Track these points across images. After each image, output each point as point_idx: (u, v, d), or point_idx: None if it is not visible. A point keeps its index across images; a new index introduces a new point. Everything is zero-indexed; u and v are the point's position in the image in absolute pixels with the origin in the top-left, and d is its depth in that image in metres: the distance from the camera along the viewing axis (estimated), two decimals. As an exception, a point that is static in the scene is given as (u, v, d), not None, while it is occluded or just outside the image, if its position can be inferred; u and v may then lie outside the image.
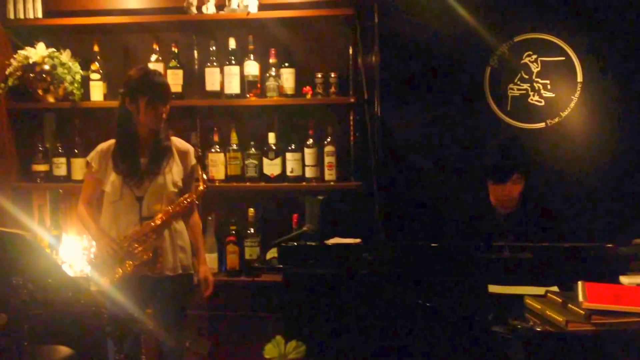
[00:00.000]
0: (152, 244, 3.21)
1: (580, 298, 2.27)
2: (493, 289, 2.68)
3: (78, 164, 4.19)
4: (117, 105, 3.31)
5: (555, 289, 2.54)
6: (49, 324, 3.70)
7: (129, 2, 4.22)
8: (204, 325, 3.98)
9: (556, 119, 3.86)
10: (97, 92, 4.21)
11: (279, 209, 4.19)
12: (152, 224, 3.21)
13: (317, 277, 3.00)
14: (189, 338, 3.44)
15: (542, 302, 2.40)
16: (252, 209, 4.10)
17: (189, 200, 3.30)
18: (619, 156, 3.79)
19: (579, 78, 3.82)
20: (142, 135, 3.25)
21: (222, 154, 4.14)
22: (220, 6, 4.09)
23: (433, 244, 3.06)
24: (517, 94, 3.89)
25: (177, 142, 3.38)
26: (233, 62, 4.10)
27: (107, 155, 3.29)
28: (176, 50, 4.16)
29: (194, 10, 4.08)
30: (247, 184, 4.12)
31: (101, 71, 4.21)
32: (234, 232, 4.10)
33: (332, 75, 4.05)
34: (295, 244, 3.30)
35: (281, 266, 3.18)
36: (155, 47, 4.17)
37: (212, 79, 4.12)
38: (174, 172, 3.29)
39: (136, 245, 3.21)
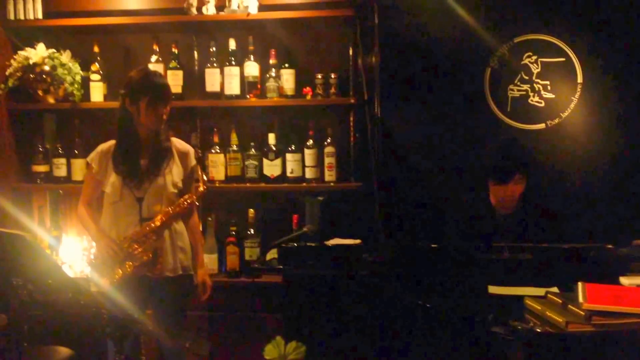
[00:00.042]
0: (152, 244, 3.21)
1: (581, 299, 2.27)
2: (493, 289, 2.68)
3: (78, 164, 4.19)
4: (117, 106, 3.31)
5: (555, 289, 2.54)
6: (48, 325, 3.71)
7: (129, 2, 4.22)
8: (204, 326, 3.98)
9: (556, 120, 3.86)
10: (97, 92, 4.21)
11: (279, 210, 4.19)
12: (152, 224, 3.21)
13: (317, 278, 3.00)
14: (189, 339, 3.43)
15: (542, 303, 2.40)
16: (252, 210, 4.10)
17: (189, 201, 3.30)
18: (619, 157, 3.79)
19: (579, 79, 3.82)
20: (142, 136, 3.25)
21: (222, 155, 4.14)
22: (220, 7, 4.09)
23: (433, 245, 3.06)
24: (517, 95, 3.89)
25: (177, 143, 3.38)
26: (233, 62, 4.10)
27: (107, 156, 3.29)
28: (176, 51, 4.17)
29: (194, 11, 4.08)
30: (247, 184, 4.12)
31: (101, 72, 4.22)
32: (234, 232, 4.10)
33: (332, 76, 4.05)
34: (295, 244, 3.30)
35: (281, 267, 3.18)
36: (156, 47, 4.17)
37: (212, 79, 4.12)
38: (174, 173, 3.29)
39: (136, 246, 3.21)
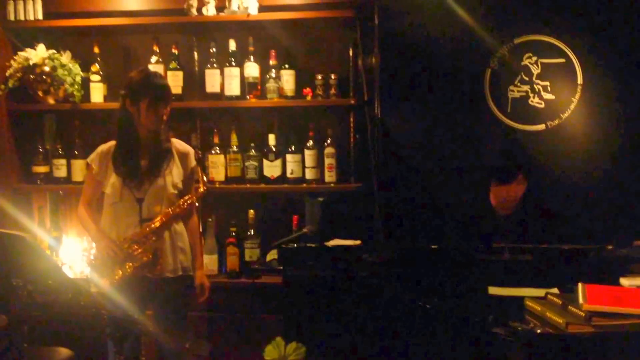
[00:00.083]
0: (152, 245, 3.21)
1: (581, 300, 2.27)
2: (493, 290, 2.68)
3: (78, 165, 4.19)
4: (117, 106, 3.31)
5: (555, 290, 2.54)
6: (48, 326, 3.70)
7: (129, 3, 4.22)
8: (204, 327, 3.98)
9: (556, 121, 3.86)
10: (98, 93, 4.21)
11: (279, 211, 4.19)
12: (152, 225, 3.21)
13: (317, 279, 3.00)
14: (189, 339, 3.43)
15: (542, 304, 2.40)
16: (252, 211, 4.10)
17: (189, 202, 3.30)
18: (619, 158, 3.79)
19: (579, 80, 3.81)
20: (142, 137, 3.25)
21: (222, 156, 4.14)
22: (220, 8, 4.09)
23: (433, 246, 3.06)
24: (517, 96, 3.89)
25: (177, 143, 3.38)
26: (233, 63, 4.10)
27: (108, 157, 3.29)
28: (176, 52, 4.17)
29: (194, 11, 4.08)
30: (247, 185, 4.12)
31: (101, 73, 4.22)
32: (234, 233, 4.10)
33: (332, 76, 4.05)
34: (295, 245, 3.31)
35: (281, 268, 3.18)
36: (156, 48, 4.17)
37: (212, 80, 4.12)
38: (174, 174, 3.29)
39: (136, 247, 3.21)
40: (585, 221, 3.74)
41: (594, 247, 2.93)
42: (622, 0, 3.77)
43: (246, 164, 4.12)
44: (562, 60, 3.82)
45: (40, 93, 4.16)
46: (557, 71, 3.83)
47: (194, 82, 4.21)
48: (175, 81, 4.09)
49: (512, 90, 3.89)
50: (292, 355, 2.80)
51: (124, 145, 3.26)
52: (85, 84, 4.21)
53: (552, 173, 3.82)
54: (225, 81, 4.11)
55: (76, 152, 4.22)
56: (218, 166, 4.12)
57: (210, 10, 4.08)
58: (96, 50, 4.23)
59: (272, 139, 4.10)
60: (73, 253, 4.15)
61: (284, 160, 4.09)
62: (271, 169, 4.09)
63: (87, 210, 3.34)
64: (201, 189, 3.31)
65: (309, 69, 4.13)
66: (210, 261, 4.03)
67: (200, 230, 3.53)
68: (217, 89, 4.13)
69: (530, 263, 2.88)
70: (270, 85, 4.06)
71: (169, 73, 4.11)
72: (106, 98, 4.23)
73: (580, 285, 2.35)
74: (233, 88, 4.09)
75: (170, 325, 3.27)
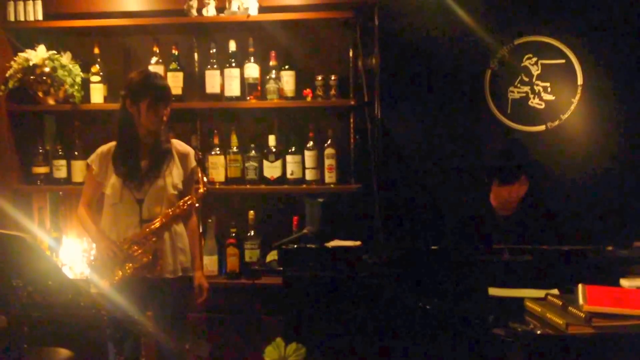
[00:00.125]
0: (152, 246, 3.21)
1: (581, 301, 2.27)
2: (493, 291, 2.68)
3: (78, 166, 4.19)
4: (117, 107, 3.31)
5: (555, 291, 2.54)
6: (48, 327, 3.69)
7: (130, 4, 4.22)
8: (204, 328, 3.98)
9: (556, 122, 3.86)
10: (98, 94, 4.21)
11: (279, 212, 4.19)
12: (152, 226, 3.21)
13: (317, 279, 2.99)
14: (189, 340, 3.43)
15: (543, 305, 2.40)
16: (252, 212, 4.10)
17: (189, 202, 3.30)
18: (619, 159, 3.79)
19: (579, 81, 3.82)
20: (142, 138, 3.25)
21: (222, 157, 4.14)
22: (220, 9, 4.09)
23: (433, 246, 3.06)
24: (517, 97, 3.90)
25: (178, 144, 3.38)
26: (233, 64, 4.10)
27: (108, 158, 3.29)
28: (176, 53, 4.17)
29: (194, 12, 4.08)
30: (247, 186, 4.12)
31: (101, 73, 4.22)
32: (234, 234, 4.10)
33: (333, 77, 4.05)
34: (296, 246, 3.30)
35: (281, 268, 3.17)
36: (156, 49, 4.17)
37: (213, 81, 4.12)
38: (174, 175, 3.29)
39: (136, 248, 3.21)
40: (585, 222, 3.74)
41: (594, 248, 2.92)
42: (622, 0, 3.77)
43: (246, 164, 4.12)
44: (562, 61, 3.83)
45: (40, 94, 4.16)
46: (557, 72, 3.84)
47: (194, 82, 4.21)
48: (175, 82, 4.09)
49: (512, 91, 3.90)
50: (292, 356, 2.80)
51: (124, 146, 3.26)
52: (86, 84, 4.21)
53: (552, 173, 3.83)
54: (226, 82, 4.11)
55: (76, 153, 4.22)
56: (218, 167, 4.12)
57: (210, 11, 4.08)
58: (96, 51, 4.24)
59: (272, 140, 4.10)
60: (73, 254, 4.15)
61: (284, 161, 4.09)
62: (271, 169, 4.10)
63: (87, 211, 3.34)
64: (201, 190, 3.31)
65: (309, 70, 4.13)
66: (210, 262, 4.03)
67: (200, 231, 3.53)
68: (217, 90, 4.13)
69: (530, 264, 2.87)
70: (271, 86, 4.06)
71: (169, 74, 4.11)
72: (106, 99, 4.23)
73: (580, 286, 2.35)
74: (233, 89, 4.09)
75: (170, 326, 3.27)
